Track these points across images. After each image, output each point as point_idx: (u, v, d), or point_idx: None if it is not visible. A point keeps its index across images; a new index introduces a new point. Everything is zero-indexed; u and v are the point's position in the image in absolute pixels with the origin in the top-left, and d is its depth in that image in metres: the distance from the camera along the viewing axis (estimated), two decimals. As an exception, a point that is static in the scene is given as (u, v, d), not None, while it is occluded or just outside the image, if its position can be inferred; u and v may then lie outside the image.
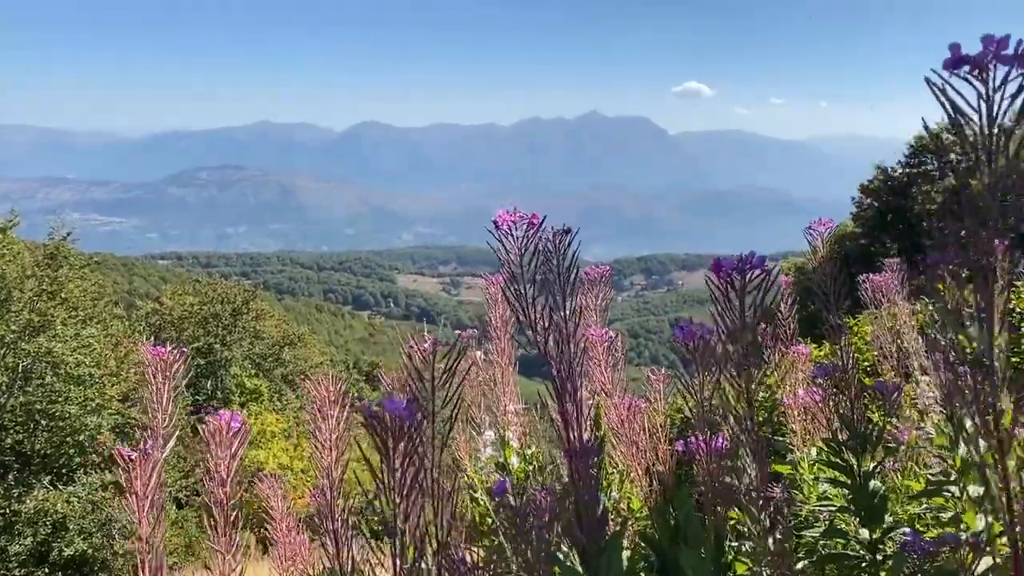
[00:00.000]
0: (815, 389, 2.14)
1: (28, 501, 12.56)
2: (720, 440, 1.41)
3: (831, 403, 1.97)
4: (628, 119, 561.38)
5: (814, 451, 2.15)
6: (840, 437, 1.83)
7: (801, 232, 1.96)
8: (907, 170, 23.62)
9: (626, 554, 1.55)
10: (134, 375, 14.76)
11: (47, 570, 12.57)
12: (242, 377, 23.18)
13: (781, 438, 2.26)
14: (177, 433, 1.43)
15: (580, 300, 2.22)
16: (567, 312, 1.13)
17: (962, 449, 1.86)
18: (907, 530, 1.74)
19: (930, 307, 2.07)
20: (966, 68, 0.72)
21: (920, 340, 2.27)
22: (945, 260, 1.91)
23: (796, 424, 2.20)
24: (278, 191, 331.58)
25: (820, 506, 1.99)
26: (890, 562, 1.67)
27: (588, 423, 1.20)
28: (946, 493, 1.85)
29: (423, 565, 0.95)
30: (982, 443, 0.71)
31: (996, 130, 0.71)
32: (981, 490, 1.77)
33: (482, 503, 1.97)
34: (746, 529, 1.44)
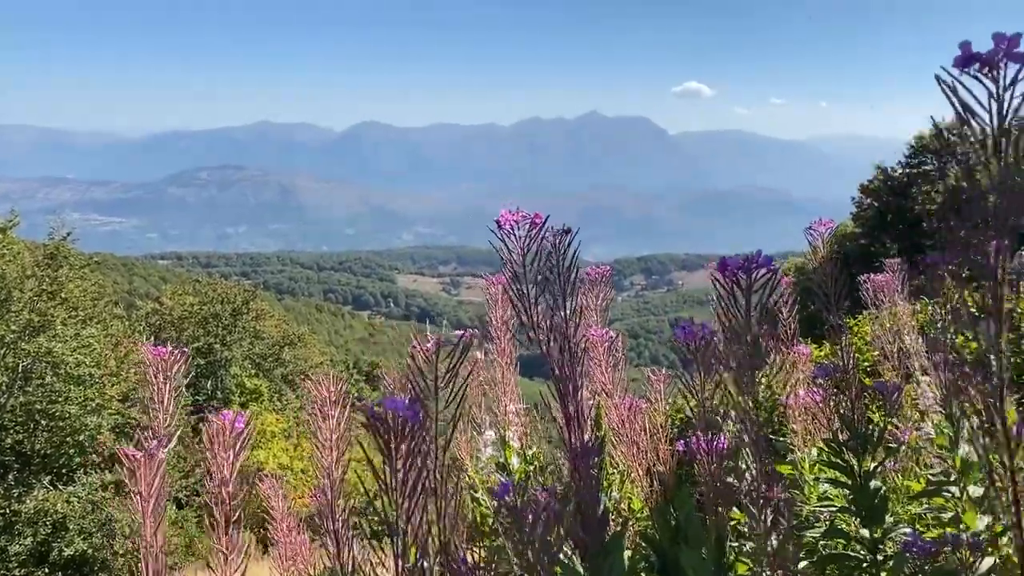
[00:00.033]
0: (815, 389, 2.14)
1: (28, 501, 12.56)
2: (721, 440, 1.41)
3: (832, 403, 1.97)
4: (628, 119, 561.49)
5: (815, 451, 2.15)
6: (841, 437, 1.83)
7: (801, 232, 1.96)
8: (907, 170, 23.63)
9: (627, 554, 1.55)
10: (134, 375, 14.76)
11: (47, 570, 12.57)
12: (242, 377, 23.19)
13: (782, 438, 2.26)
14: (178, 433, 1.43)
15: (580, 300, 2.22)
16: (568, 312, 1.13)
17: (962, 449, 1.86)
18: (908, 530, 1.74)
19: (930, 307, 2.08)
20: (976, 66, 0.72)
21: (920, 340, 2.27)
22: (945, 260, 1.91)
23: (797, 424, 2.20)
24: (278, 191, 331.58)
25: (821, 506, 1.99)
26: (891, 562, 1.67)
27: (589, 423, 1.20)
28: (946, 493, 1.85)
29: (425, 564, 0.95)
30: (986, 443, 0.71)
31: (1007, 128, 0.70)
32: (981, 490, 1.77)
33: (483, 503, 1.97)
34: (747, 529, 1.44)
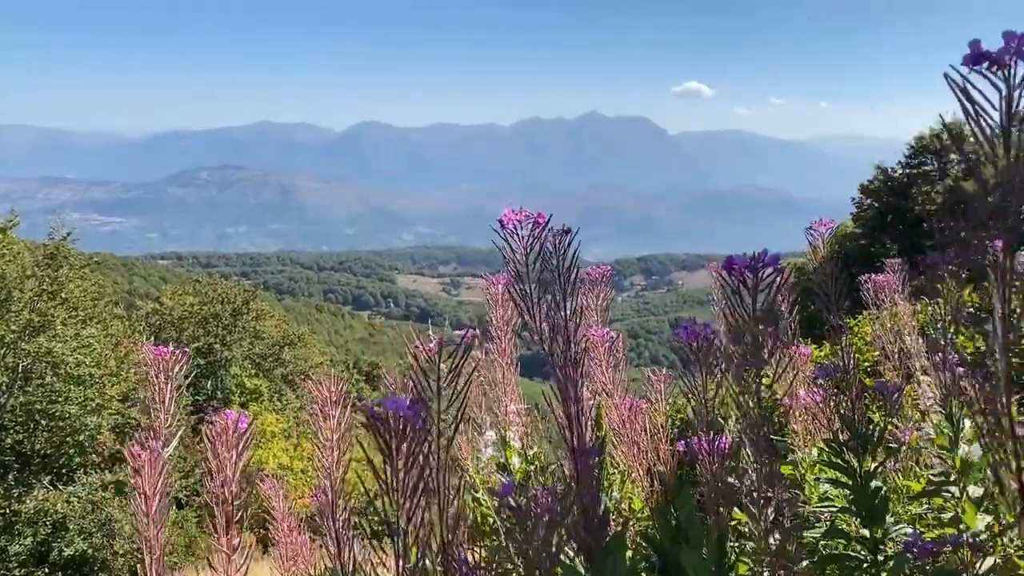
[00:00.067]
0: (815, 389, 2.14)
1: (28, 501, 12.56)
2: (723, 440, 1.41)
3: (832, 404, 1.97)
4: (628, 119, 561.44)
5: (815, 451, 2.15)
6: (841, 437, 1.83)
7: (801, 232, 1.96)
8: (907, 171, 23.63)
9: (627, 555, 1.55)
10: (134, 375, 14.76)
11: (47, 570, 12.57)
12: (242, 377, 23.19)
13: (782, 438, 2.26)
14: (179, 433, 1.43)
15: (581, 300, 2.22)
16: (569, 312, 1.13)
17: (962, 449, 1.86)
18: (909, 530, 1.74)
19: (931, 307, 2.08)
20: (986, 64, 0.72)
21: (921, 341, 2.27)
22: (945, 260, 1.91)
23: (797, 424, 2.20)
24: (278, 191, 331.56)
25: (821, 507, 1.99)
26: (891, 562, 1.68)
27: (590, 423, 1.20)
28: (945, 493, 1.85)
29: (426, 564, 0.95)
30: (988, 443, 0.71)
31: (1017, 126, 0.70)
32: (981, 490, 1.77)
33: (484, 503, 1.97)
34: (747, 529, 1.44)
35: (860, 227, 23.43)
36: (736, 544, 1.58)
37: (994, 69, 0.72)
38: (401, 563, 0.93)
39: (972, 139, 0.73)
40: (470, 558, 1.02)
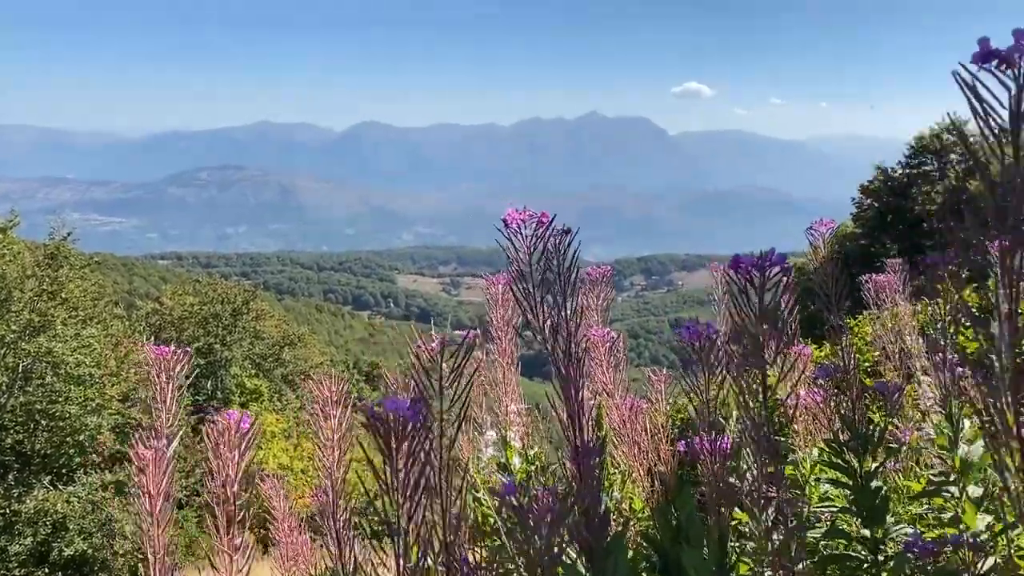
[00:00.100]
0: (816, 390, 2.14)
1: (28, 501, 12.56)
2: (725, 440, 1.41)
3: (833, 404, 1.97)
4: (628, 119, 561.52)
5: (816, 452, 2.15)
6: (842, 438, 1.83)
7: (801, 232, 1.96)
8: (907, 171, 23.66)
9: (628, 555, 1.55)
10: (134, 375, 14.77)
11: (47, 570, 12.57)
12: (242, 377, 23.19)
13: (783, 439, 2.26)
14: (181, 433, 1.44)
15: (582, 300, 2.22)
16: (569, 312, 1.13)
17: (962, 449, 1.86)
18: (909, 530, 1.74)
19: (931, 308, 2.08)
20: (995, 62, 0.72)
21: (921, 341, 2.28)
22: (945, 260, 1.91)
23: (798, 424, 2.20)
24: (278, 191, 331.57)
25: (822, 507, 1.99)
26: (892, 563, 1.68)
27: (590, 423, 1.20)
28: (945, 493, 1.85)
29: (427, 564, 0.95)
30: (992, 444, 0.71)
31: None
32: (981, 490, 1.77)
33: (484, 503, 1.97)
34: (748, 529, 1.45)
35: (860, 227, 23.44)
36: (737, 544, 1.58)
37: (1003, 67, 0.72)
38: (401, 563, 0.93)
39: (980, 137, 0.72)
40: (471, 558, 1.02)
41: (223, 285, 26.33)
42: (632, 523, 1.95)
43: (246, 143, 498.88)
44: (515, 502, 0.93)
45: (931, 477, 1.93)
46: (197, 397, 20.51)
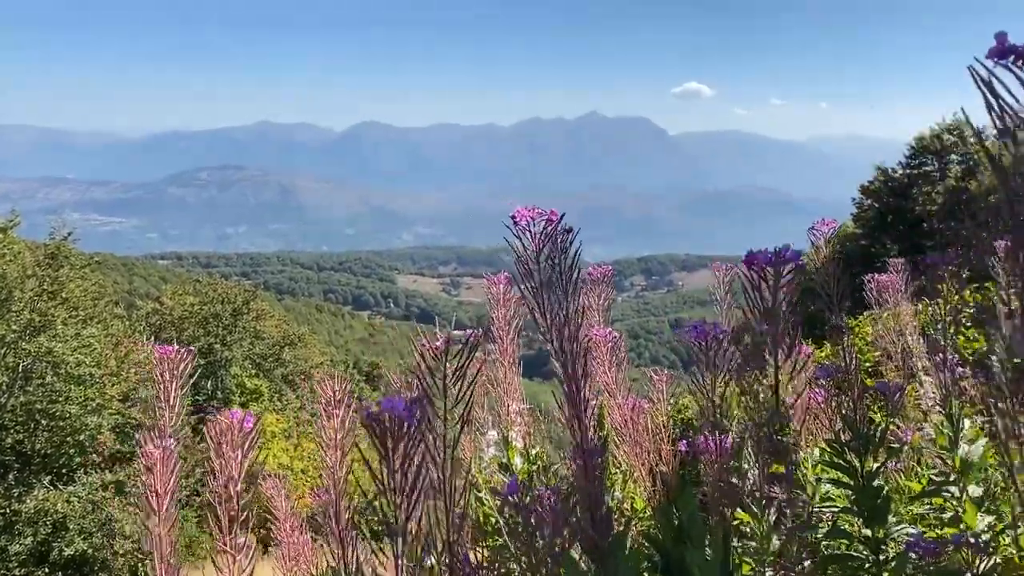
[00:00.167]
0: (817, 390, 2.14)
1: (28, 501, 12.56)
2: (728, 440, 1.41)
3: (834, 404, 1.97)
4: (628, 119, 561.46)
5: (817, 451, 2.15)
6: (843, 438, 1.83)
7: (801, 232, 1.96)
8: (907, 171, 23.65)
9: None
10: (134, 375, 14.77)
11: (47, 570, 12.57)
12: (242, 377, 23.19)
13: (786, 438, 2.26)
14: (184, 432, 1.44)
15: (583, 300, 2.22)
16: (572, 312, 1.13)
17: (962, 449, 1.86)
18: (911, 529, 1.74)
19: (931, 308, 2.08)
20: (1011, 58, 0.71)
21: (922, 341, 2.28)
22: (945, 261, 1.91)
23: (799, 424, 2.20)
24: (278, 191, 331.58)
25: (823, 507, 1.99)
26: (893, 563, 1.68)
27: (592, 423, 1.20)
28: (945, 493, 1.85)
29: (427, 564, 0.95)
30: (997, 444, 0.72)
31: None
32: (981, 490, 1.77)
33: (486, 503, 1.97)
34: (749, 529, 1.45)
35: (860, 227, 23.45)
36: (739, 544, 1.58)
37: (1020, 64, 0.71)
38: (398, 563, 0.93)
39: (993, 132, 0.72)
40: (472, 558, 1.03)
41: (223, 285, 26.33)
42: (634, 523, 1.95)
43: (246, 143, 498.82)
44: (517, 501, 0.94)
45: (932, 477, 1.93)
46: (197, 397, 20.50)
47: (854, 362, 1.88)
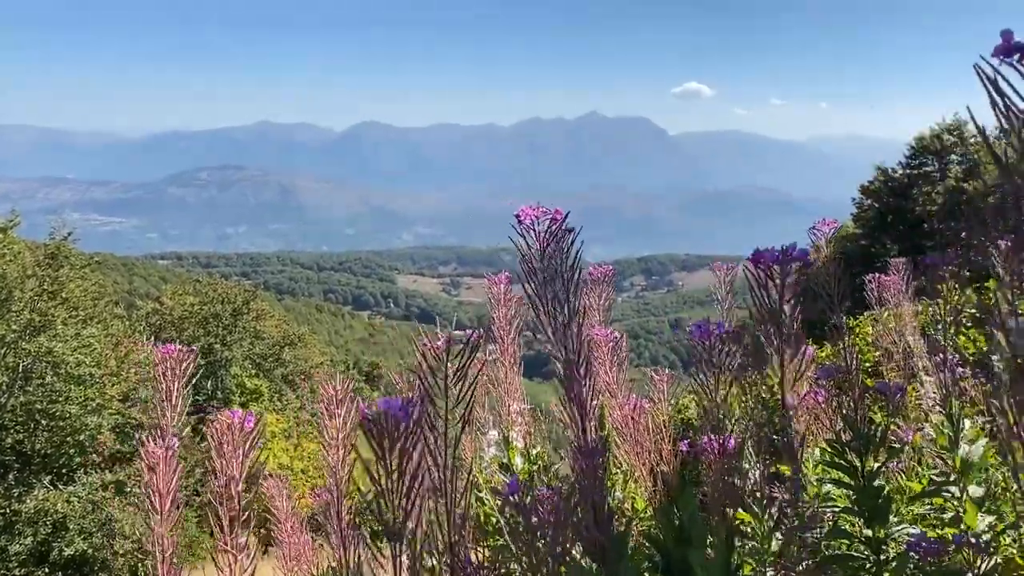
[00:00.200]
0: (817, 390, 2.14)
1: (28, 501, 12.56)
2: (730, 440, 1.41)
3: (834, 404, 1.97)
4: (628, 119, 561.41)
5: (817, 451, 2.15)
6: (844, 438, 1.83)
7: (801, 232, 1.96)
8: (907, 171, 23.64)
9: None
10: (134, 375, 14.77)
11: (47, 570, 12.56)
12: (242, 377, 23.18)
13: (784, 438, 2.26)
14: (185, 431, 1.44)
15: (584, 300, 2.22)
16: (575, 311, 1.13)
17: (962, 449, 1.86)
18: (912, 530, 1.74)
19: (931, 308, 2.08)
20: (1017, 56, 0.71)
21: (923, 341, 2.28)
22: (945, 261, 1.91)
23: (799, 424, 2.20)
24: (278, 191, 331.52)
25: (824, 507, 1.99)
26: (894, 562, 1.68)
27: (593, 423, 1.20)
28: (945, 493, 1.85)
29: (423, 565, 0.95)
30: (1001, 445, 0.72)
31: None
32: (981, 490, 1.77)
33: (487, 503, 1.97)
34: (749, 529, 1.45)
35: (860, 228, 23.44)
36: (740, 544, 1.58)
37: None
38: (396, 563, 0.93)
39: (998, 130, 0.72)
40: (473, 558, 1.03)
41: (223, 285, 26.31)
42: (635, 523, 1.95)
43: (246, 143, 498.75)
44: (518, 501, 0.94)
45: (932, 477, 1.93)
46: (197, 397, 20.49)
47: (855, 362, 1.88)
